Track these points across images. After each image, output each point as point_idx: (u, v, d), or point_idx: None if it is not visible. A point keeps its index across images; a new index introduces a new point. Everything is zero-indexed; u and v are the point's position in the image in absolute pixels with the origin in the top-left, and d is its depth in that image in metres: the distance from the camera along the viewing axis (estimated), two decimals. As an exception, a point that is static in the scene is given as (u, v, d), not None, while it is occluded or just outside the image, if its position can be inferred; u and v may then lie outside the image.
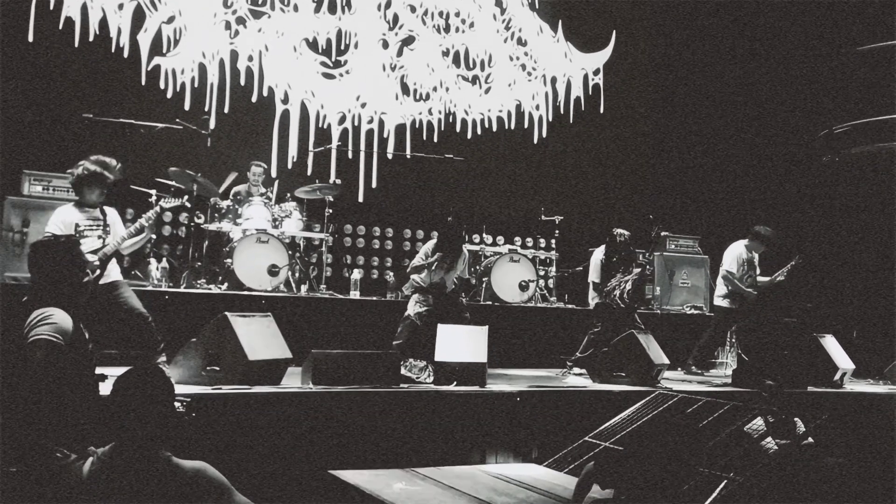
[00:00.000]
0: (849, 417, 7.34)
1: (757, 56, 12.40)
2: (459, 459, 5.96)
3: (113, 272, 6.38)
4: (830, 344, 8.55)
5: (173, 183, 8.46)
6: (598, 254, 8.51)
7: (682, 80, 12.72)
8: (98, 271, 6.07)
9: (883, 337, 9.51)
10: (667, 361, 7.77)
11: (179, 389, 3.87)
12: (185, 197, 7.57)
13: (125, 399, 2.90)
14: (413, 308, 7.84)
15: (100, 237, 6.27)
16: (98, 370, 3.78)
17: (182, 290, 8.16)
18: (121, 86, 9.59)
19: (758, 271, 9.03)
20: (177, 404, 3.71)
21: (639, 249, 9.01)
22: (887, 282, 9.84)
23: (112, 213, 6.48)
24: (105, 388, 3.05)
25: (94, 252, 6.17)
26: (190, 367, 5.99)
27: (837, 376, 8.27)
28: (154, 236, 8.03)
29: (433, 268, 7.93)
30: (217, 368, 5.91)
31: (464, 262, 8.21)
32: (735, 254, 8.93)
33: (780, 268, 8.92)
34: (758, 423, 5.40)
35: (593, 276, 8.48)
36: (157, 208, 6.72)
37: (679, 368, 8.95)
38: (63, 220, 6.28)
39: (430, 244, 8.13)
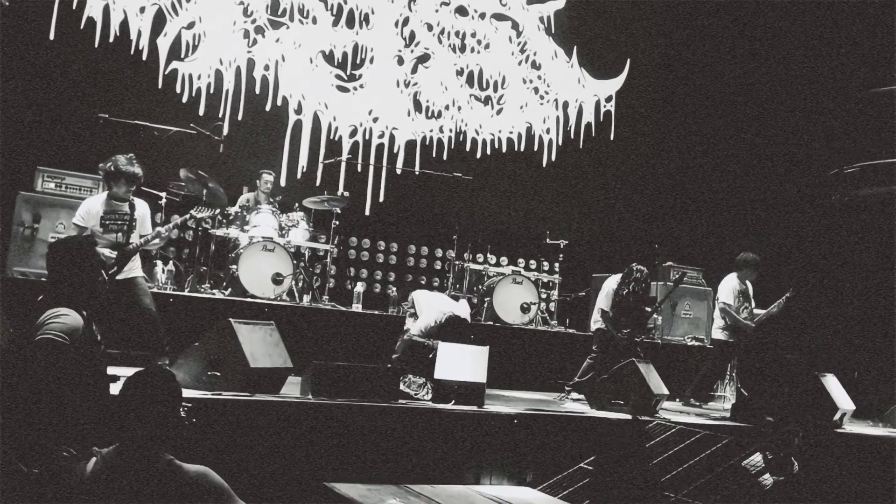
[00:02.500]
0: (845, 458, 7.33)
1: (771, 85, 12.47)
2: (454, 479, 5.98)
3: (134, 269, 6.44)
4: (831, 383, 8.49)
5: (184, 186, 8.52)
6: (612, 282, 8.46)
7: (694, 112, 12.77)
8: (115, 268, 6.11)
9: (885, 379, 9.49)
10: (666, 392, 7.76)
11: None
12: (217, 210, 7.64)
13: (132, 400, 2.93)
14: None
15: (123, 232, 6.32)
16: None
17: (186, 293, 8.19)
18: (137, 88, 9.65)
19: (753, 304, 9.05)
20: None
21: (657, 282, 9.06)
22: (890, 323, 9.84)
23: (142, 208, 6.54)
24: (116, 389, 3.07)
25: (115, 247, 6.22)
26: (191, 370, 6.01)
27: (837, 416, 8.23)
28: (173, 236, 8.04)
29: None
30: (218, 374, 5.92)
31: (437, 318, 7.47)
32: (730, 286, 8.97)
33: (774, 301, 8.96)
34: (756, 458, 5.41)
35: (602, 303, 8.45)
36: (188, 216, 6.79)
37: (677, 399, 8.95)
38: (89, 209, 6.38)
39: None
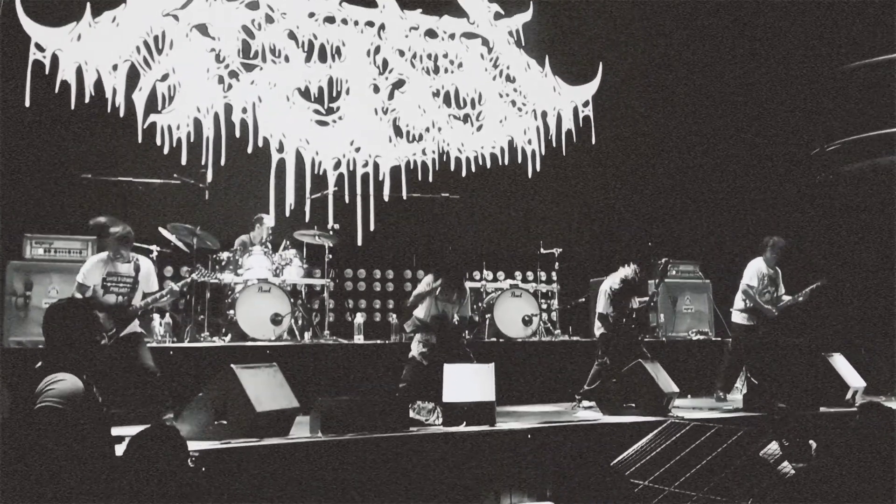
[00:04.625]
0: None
1: (752, 73, 12.52)
2: (474, 501, 5.93)
3: (134, 325, 6.43)
4: (840, 362, 8.48)
5: (173, 238, 8.51)
6: (606, 284, 8.46)
7: (673, 107, 12.79)
8: (114, 330, 6.10)
9: (892, 352, 9.43)
10: (676, 389, 7.73)
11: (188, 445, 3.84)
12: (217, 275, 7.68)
13: (137, 459, 2.89)
14: (416, 349, 7.78)
15: (124, 295, 6.32)
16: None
17: (186, 344, 8.15)
18: (118, 145, 9.62)
19: (782, 290, 8.95)
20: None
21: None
22: (891, 296, 9.79)
23: (146, 267, 6.55)
24: (121, 450, 3.04)
25: (116, 309, 6.21)
26: (197, 421, 5.97)
27: (849, 395, 8.19)
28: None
29: (436, 293, 7.85)
30: (225, 422, 5.88)
31: (466, 299, 8.12)
32: (755, 269, 8.84)
33: (803, 288, 8.87)
34: (772, 447, 5.36)
35: (601, 307, 8.43)
36: (190, 280, 6.83)
37: (688, 395, 8.90)
38: (90, 269, 6.39)
39: (430, 276, 8.05)
